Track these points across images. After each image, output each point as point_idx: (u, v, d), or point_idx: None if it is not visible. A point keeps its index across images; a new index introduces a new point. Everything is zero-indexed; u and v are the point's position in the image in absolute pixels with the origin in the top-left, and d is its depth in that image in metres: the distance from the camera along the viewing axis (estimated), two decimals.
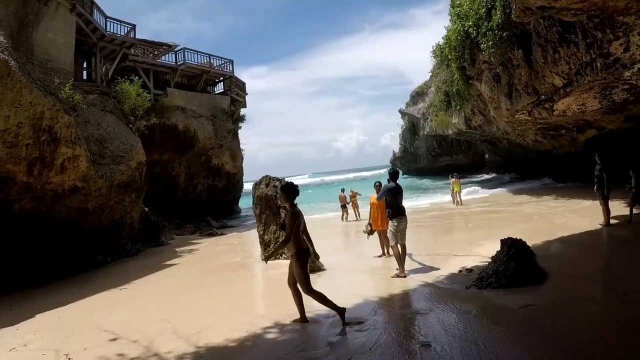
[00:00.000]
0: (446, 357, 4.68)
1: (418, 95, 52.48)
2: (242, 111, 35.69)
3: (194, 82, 29.92)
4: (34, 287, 11.09)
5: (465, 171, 46.26)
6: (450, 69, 26.71)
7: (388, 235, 9.28)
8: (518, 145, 31.14)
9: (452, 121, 33.97)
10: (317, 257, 6.53)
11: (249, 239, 18.50)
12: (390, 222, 8.98)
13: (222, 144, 30.04)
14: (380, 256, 11.13)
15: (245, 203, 38.46)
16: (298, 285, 6.18)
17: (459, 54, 22.52)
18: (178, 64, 27.68)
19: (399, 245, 8.77)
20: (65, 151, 11.98)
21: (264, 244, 12.38)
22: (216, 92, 32.90)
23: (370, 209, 11.39)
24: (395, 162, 67.30)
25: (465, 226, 15.60)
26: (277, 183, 12.46)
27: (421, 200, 27.96)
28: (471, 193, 27.75)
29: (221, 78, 32.66)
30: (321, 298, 6.14)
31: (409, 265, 9.04)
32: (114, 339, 6.60)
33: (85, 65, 21.60)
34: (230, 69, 32.29)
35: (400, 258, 8.75)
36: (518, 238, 8.05)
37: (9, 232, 11.11)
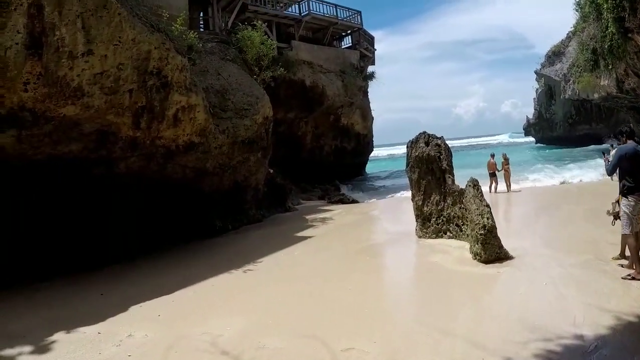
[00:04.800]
0: None
1: (555, 55, 45.19)
2: (371, 68, 32.67)
3: (319, 35, 27.69)
4: (136, 260, 9.29)
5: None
6: (601, 23, 22.79)
7: (621, 219, 6.43)
8: None
9: (600, 83, 28.48)
10: None
11: (389, 209, 16.11)
12: (623, 200, 6.37)
13: (352, 102, 27.56)
14: (623, 265, 6.78)
15: (369, 168, 35.90)
16: None
17: (617, 2, 19.20)
18: (302, 14, 25.44)
19: (633, 234, 6.21)
20: (179, 99, 9.98)
21: (423, 218, 9.70)
22: (344, 47, 30.37)
23: None
24: (529, 128, 60.44)
25: None
26: (439, 142, 9.91)
27: (568, 172, 22.47)
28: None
29: (349, 31, 30.03)
30: None
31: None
32: None
33: (202, 15, 19.88)
34: (359, 20, 29.49)
35: (638, 252, 6.16)
36: None
37: (113, 196, 9.45)
